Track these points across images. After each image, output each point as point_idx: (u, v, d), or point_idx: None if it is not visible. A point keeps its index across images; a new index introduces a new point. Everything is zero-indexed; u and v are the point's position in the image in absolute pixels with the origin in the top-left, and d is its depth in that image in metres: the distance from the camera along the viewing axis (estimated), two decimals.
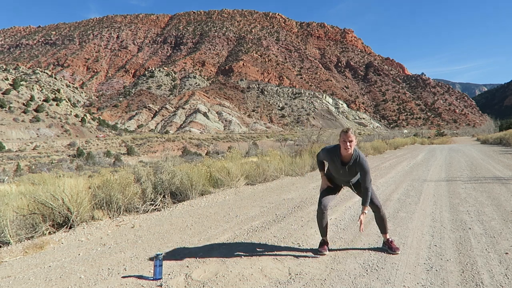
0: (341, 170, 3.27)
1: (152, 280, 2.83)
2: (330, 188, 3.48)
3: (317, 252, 3.32)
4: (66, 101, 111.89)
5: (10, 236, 3.94)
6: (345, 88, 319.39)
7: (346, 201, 5.90)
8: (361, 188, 3.25)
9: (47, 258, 3.49)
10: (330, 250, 3.37)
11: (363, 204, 3.20)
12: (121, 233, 4.33)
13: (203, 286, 2.71)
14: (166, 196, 6.03)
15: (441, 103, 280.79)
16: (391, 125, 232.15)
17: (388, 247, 3.33)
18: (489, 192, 6.27)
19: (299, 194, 6.73)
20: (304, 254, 3.35)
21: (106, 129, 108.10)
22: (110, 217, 5.02)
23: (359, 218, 3.17)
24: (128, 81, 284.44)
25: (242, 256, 3.31)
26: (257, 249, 3.52)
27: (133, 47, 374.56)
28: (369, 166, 3.23)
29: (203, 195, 6.77)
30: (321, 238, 3.45)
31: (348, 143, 3.09)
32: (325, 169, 3.57)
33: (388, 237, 3.40)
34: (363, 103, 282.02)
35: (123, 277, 2.91)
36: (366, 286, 2.63)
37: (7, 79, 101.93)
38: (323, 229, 3.37)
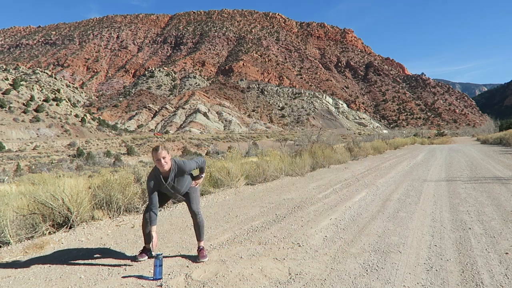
0: (170, 187, 3.22)
1: (152, 280, 2.83)
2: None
3: (135, 258, 3.27)
4: (66, 101, 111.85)
5: (10, 236, 3.94)
6: (345, 88, 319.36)
7: (346, 201, 5.90)
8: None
9: (47, 258, 3.48)
10: (326, 254, 3.30)
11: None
12: (121, 233, 4.33)
13: (203, 286, 2.71)
14: None
15: (441, 103, 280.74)
16: (391, 125, 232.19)
17: (198, 254, 3.27)
18: (489, 192, 6.27)
19: (299, 194, 6.73)
20: (304, 254, 3.35)
21: (106, 129, 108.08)
22: (110, 217, 5.02)
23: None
24: (128, 81, 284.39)
25: (242, 256, 3.31)
26: (257, 249, 3.52)
27: (133, 47, 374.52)
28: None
29: (203, 195, 6.77)
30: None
31: (162, 161, 3.06)
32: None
33: (202, 245, 3.34)
34: (363, 103, 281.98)
35: (123, 277, 2.91)
36: (366, 286, 2.63)
37: (7, 79, 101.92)
38: (148, 236, 3.26)
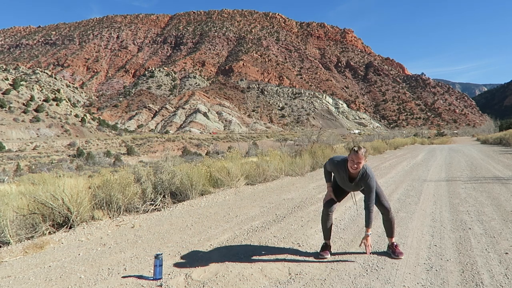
0: (347, 184, 3.23)
1: (152, 280, 2.83)
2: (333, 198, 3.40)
3: (318, 255, 3.25)
4: (66, 101, 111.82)
5: (10, 236, 3.94)
6: (345, 88, 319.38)
7: (346, 201, 5.89)
8: (364, 207, 3.16)
9: (47, 258, 3.49)
10: (332, 254, 3.29)
11: (366, 225, 3.10)
12: (121, 233, 4.33)
13: (203, 286, 2.71)
14: (166, 196, 6.03)
15: (441, 103, 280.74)
16: (391, 125, 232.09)
17: (392, 252, 3.25)
18: (489, 192, 6.27)
19: (299, 194, 6.73)
20: (304, 254, 3.35)
21: (106, 129, 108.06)
22: (110, 217, 5.02)
23: (362, 241, 3.12)
24: (128, 81, 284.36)
25: (242, 256, 3.31)
26: (257, 249, 3.52)
27: (133, 47, 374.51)
28: (374, 175, 3.18)
29: (203, 195, 6.77)
30: (323, 241, 3.38)
31: (355, 164, 3.01)
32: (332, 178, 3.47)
33: (393, 241, 3.32)
34: (363, 103, 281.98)
35: (123, 277, 2.91)
36: (366, 286, 2.63)
37: (7, 79, 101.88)
38: (327, 231, 3.33)
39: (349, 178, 3.16)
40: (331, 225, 3.32)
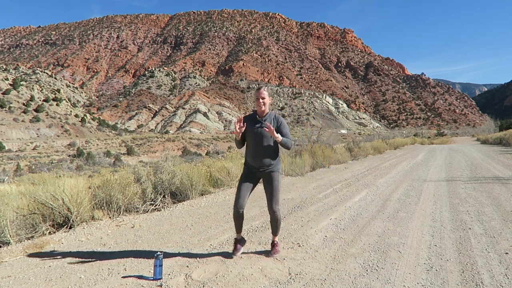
0: (256, 129, 3.17)
1: (152, 280, 2.83)
2: (246, 183, 3.27)
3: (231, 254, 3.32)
4: (66, 101, 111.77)
5: (10, 236, 3.94)
6: (345, 88, 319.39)
7: (346, 201, 5.90)
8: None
9: (47, 258, 3.48)
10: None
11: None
12: (121, 233, 4.33)
13: (203, 286, 2.71)
14: (166, 196, 6.03)
15: (441, 103, 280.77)
16: (391, 125, 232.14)
17: (271, 249, 3.35)
18: (489, 192, 6.27)
19: (299, 194, 6.73)
20: (304, 254, 3.35)
21: (106, 129, 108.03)
22: (110, 217, 5.02)
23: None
24: (128, 81, 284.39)
25: (242, 256, 3.31)
26: (257, 249, 3.52)
27: (133, 47, 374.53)
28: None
29: (203, 195, 6.76)
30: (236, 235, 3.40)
31: (261, 100, 3.13)
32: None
33: (276, 239, 3.39)
34: (363, 103, 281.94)
35: (123, 277, 2.91)
36: (366, 286, 2.63)
37: (7, 79, 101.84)
38: (238, 225, 3.33)
39: (257, 118, 3.21)
40: (243, 219, 3.31)
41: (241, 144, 3.33)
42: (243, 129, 3.16)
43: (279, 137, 3.09)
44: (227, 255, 3.35)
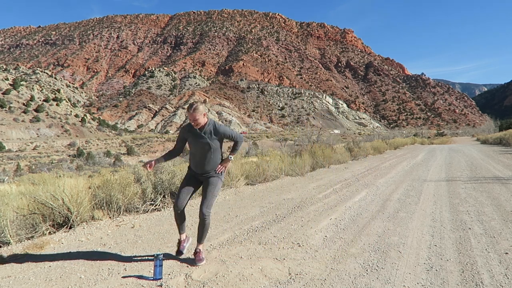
0: (200, 139, 3.13)
1: (152, 280, 2.83)
2: (187, 186, 3.30)
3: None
4: (66, 101, 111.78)
5: (10, 236, 3.94)
6: (345, 88, 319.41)
7: (346, 201, 5.90)
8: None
9: (47, 258, 3.48)
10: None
11: (232, 152, 3.36)
12: (121, 233, 4.32)
13: (203, 286, 2.71)
14: (166, 196, 6.03)
15: (441, 103, 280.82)
16: (391, 125, 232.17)
17: (194, 257, 3.22)
18: (489, 192, 6.27)
19: (299, 194, 6.73)
20: (304, 254, 3.35)
21: (106, 129, 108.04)
22: (110, 217, 5.02)
23: (222, 166, 3.29)
24: (128, 81, 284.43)
25: (242, 256, 3.31)
26: (257, 249, 3.52)
27: (133, 47, 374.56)
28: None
29: None
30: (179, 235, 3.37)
31: (193, 122, 3.08)
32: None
33: (200, 248, 3.23)
34: (363, 103, 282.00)
35: (123, 277, 2.91)
36: (366, 286, 2.63)
37: (7, 79, 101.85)
38: (180, 226, 3.31)
39: (199, 130, 3.14)
40: (184, 219, 3.30)
41: (180, 152, 3.38)
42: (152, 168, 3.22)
43: (231, 157, 3.32)
44: (227, 255, 3.35)
